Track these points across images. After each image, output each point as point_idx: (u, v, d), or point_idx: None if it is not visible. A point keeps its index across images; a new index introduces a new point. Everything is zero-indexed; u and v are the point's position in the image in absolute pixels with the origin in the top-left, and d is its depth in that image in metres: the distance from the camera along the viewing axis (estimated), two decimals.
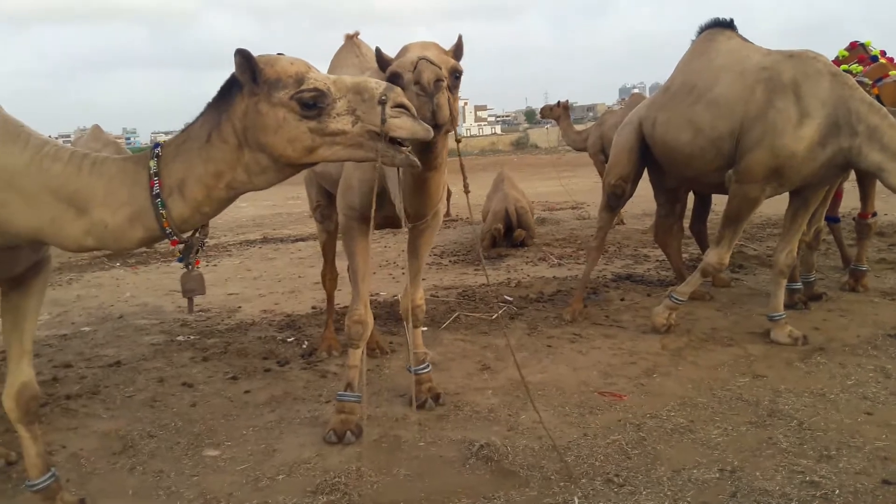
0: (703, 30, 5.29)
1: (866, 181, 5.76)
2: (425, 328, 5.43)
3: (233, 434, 3.69)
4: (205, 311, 6.56)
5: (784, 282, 4.78)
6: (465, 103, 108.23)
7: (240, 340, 5.43)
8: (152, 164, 2.36)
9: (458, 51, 3.11)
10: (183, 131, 2.45)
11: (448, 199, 13.50)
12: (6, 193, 2.36)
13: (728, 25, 5.18)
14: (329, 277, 5.14)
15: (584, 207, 13.01)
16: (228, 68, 2.38)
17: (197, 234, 2.52)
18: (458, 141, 3.16)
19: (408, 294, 3.89)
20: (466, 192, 3.15)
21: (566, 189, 13.83)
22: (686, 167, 5.05)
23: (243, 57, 2.26)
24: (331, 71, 4.51)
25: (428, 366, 4.00)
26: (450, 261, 8.59)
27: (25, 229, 2.40)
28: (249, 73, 2.29)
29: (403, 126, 2.33)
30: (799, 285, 5.46)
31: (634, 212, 11.03)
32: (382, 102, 2.28)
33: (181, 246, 2.49)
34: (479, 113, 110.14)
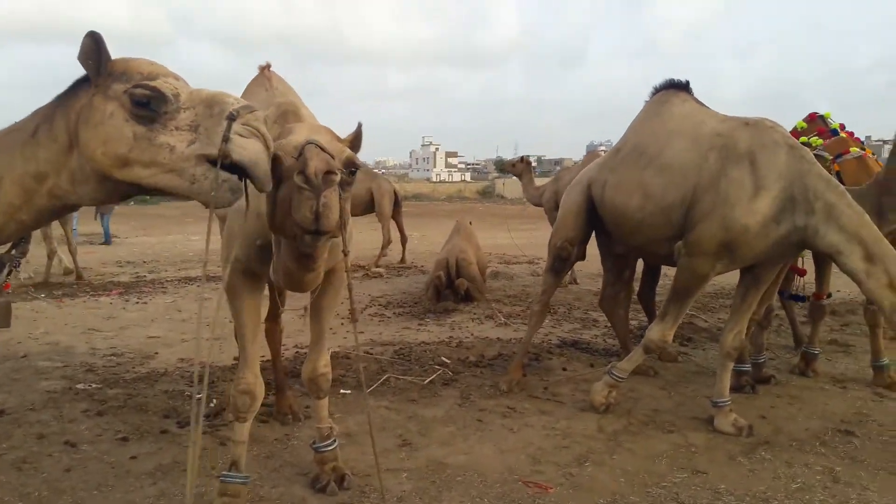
0: (657, 90, 5.04)
1: (822, 260, 5.51)
2: (348, 391, 5.01)
3: None
4: (117, 356, 6.06)
5: (731, 365, 4.44)
6: (437, 149, 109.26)
7: (144, 393, 4.94)
8: None
9: (355, 141, 2.64)
10: (14, 123, 2.06)
11: (404, 246, 13.17)
12: None
13: (683, 87, 4.94)
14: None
15: (540, 263, 12.76)
16: None
17: (13, 252, 2.13)
18: (345, 253, 2.74)
19: (310, 360, 3.47)
20: (345, 253, 2.78)
21: (520, 243, 13.57)
22: (634, 234, 4.74)
23: (94, 40, 1.86)
24: None
25: (334, 442, 3.54)
26: (394, 313, 8.19)
27: None
28: (95, 61, 1.89)
29: (246, 147, 1.89)
30: (747, 367, 5.14)
31: (590, 271, 10.74)
32: (231, 118, 1.88)
33: None
34: (450, 159, 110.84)
